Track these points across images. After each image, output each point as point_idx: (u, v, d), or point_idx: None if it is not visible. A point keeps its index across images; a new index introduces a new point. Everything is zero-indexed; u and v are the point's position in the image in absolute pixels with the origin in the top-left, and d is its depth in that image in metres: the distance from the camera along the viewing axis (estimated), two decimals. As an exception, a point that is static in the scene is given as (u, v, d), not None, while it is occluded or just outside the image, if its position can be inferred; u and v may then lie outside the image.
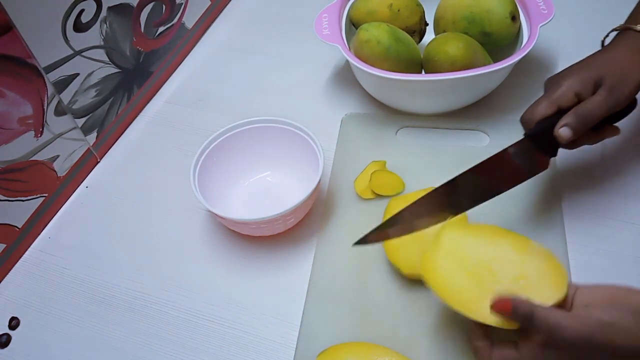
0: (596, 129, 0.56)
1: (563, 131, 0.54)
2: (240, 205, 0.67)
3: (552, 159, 0.57)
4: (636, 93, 0.56)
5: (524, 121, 0.58)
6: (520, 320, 0.45)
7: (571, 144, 0.57)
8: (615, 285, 0.46)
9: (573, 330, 0.42)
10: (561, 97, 0.55)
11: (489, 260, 0.50)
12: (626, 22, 0.59)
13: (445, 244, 0.52)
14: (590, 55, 0.58)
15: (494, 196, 0.56)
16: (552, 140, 0.56)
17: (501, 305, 0.45)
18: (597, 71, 0.55)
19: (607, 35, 0.60)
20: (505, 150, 0.57)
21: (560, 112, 0.55)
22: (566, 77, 0.56)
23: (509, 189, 0.57)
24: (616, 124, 0.58)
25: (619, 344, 0.42)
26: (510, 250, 0.50)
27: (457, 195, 0.56)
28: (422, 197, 0.55)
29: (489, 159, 0.56)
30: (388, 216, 0.62)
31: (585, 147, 0.67)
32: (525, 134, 0.57)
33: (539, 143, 0.56)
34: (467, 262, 0.50)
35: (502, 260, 0.49)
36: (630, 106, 0.57)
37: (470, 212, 0.61)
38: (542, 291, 0.47)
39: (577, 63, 0.58)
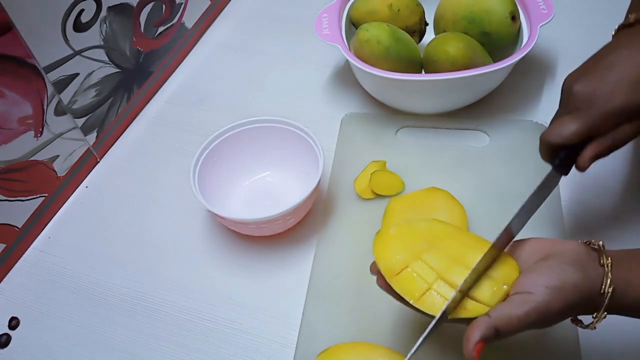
0: None
1: (589, 163, 0.49)
2: (240, 205, 0.67)
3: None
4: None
5: (548, 142, 0.51)
6: (492, 342, 0.42)
7: None
8: (538, 238, 0.46)
9: (533, 312, 0.41)
10: (600, 127, 0.49)
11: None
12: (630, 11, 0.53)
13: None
14: (631, 59, 0.49)
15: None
16: (571, 164, 0.50)
17: (478, 350, 0.42)
18: None
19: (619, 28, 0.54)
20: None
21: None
22: (608, 98, 0.48)
23: None
24: None
25: (572, 300, 0.42)
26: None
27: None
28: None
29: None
30: (388, 216, 0.62)
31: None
32: (554, 167, 0.51)
33: (558, 168, 0.51)
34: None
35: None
36: None
37: (470, 213, 0.62)
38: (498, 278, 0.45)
39: (617, 67, 0.49)
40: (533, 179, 0.60)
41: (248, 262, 0.64)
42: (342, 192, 0.68)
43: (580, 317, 0.45)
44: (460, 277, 0.45)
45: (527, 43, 0.68)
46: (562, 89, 0.52)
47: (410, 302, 0.45)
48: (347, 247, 0.63)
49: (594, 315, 0.43)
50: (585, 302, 0.42)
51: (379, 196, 0.66)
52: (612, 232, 0.62)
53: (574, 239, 0.60)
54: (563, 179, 0.65)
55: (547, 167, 0.52)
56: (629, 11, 0.55)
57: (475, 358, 0.42)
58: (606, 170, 0.67)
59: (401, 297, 0.46)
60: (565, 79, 0.53)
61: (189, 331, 0.60)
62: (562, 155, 0.51)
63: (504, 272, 0.46)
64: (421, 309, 0.45)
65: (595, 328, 0.44)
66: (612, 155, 0.67)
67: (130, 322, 0.61)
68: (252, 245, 0.66)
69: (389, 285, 0.47)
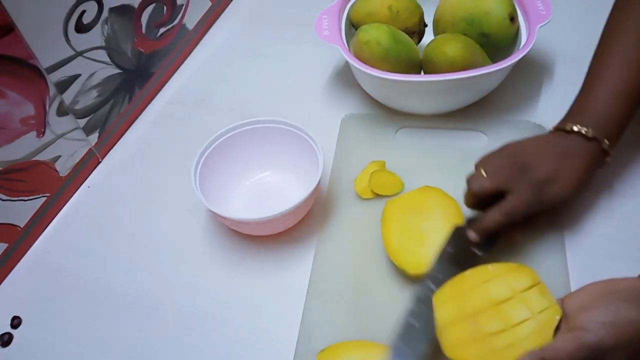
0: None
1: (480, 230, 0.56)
2: (241, 205, 0.68)
3: None
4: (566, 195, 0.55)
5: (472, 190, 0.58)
6: None
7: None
8: (596, 281, 0.46)
9: (584, 348, 0.41)
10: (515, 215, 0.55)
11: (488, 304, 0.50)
12: (564, 119, 0.60)
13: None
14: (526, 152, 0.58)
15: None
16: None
17: None
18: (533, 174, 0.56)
19: (566, 128, 0.58)
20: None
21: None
22: (519, 189, 0.55)
23: None
24: None
25: (628, 336, 0.41)
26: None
27: None
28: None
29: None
30: (386, 219, 0.62)
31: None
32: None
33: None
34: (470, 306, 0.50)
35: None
36: None
37: (469, 212, 0.62)
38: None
39: (540, 164, 0.56)
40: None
41: (248, 262, 0.65)
42: (342, 192, 0.68)
43: None
44: (515, 310, 0.47)
45: (525, 44, 0.69)
46: (504, 149, 0.59)
47: None
48: (347, 247, 0.63)
49: None
50: None
51: (378, 196, 0.67)
52: (612, 232, 0.62)
53: (574, 239, 0.61)
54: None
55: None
56: (567, 117, 0.60)
57: None
58: (606, 170, 0.67)
59: None
60: (509, 145, 0.60)
61: (189, 331, 0.60)
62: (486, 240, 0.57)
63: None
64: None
65: None
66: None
67: (130, 321, 0.61)
68: (252, 245, 0.66)
69: None
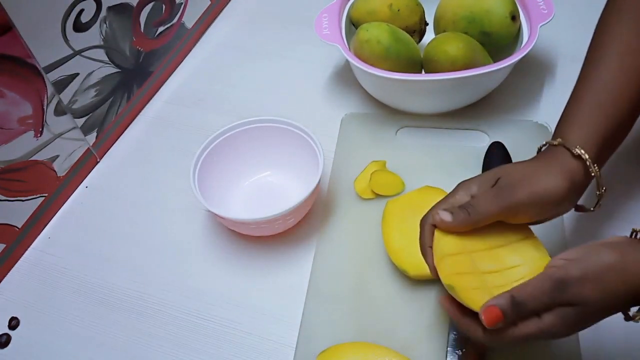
0: None
1: (442, 214, 0.49)
2: (240, 205, 0.67)
3: None
4: (527, 200, 0.48)
5: (422, 223, 0.51)
6: (514, 316, 0.43)
7: None
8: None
9: (548, 279, 0.42)
10: (458, 201, 0.50)
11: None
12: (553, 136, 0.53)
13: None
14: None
15: None
16: None
17: (492, 318, 0.42)
18: (497, 173, 0.50)
19: (543, 146, 0.54)
20: None
21: None
22: (472, 181, 0.51)
23: None
24: None
25: (597, 272, 0.41)
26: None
27: None
28: None
29: None
30: (387, 219, 0.62)
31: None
32: None
33: None
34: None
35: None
36: None
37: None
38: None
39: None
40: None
41: (248, 262, 0.64)
42: (342, 192, 0.68)
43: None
44: (509, 256, 0.49)
45: (527, 43, 0.68)
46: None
47: None
48: (347, 247, 0.63)
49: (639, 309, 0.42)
50: (626, 289, 0.41)
51: (379, 196, 0.66)
52: (612, 233, 0.61)
53: (574, 239, 0.61)
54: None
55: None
56: (553, 137, 0.53)
57: (483, 320, 0.43)
58: (606, 170, 0.66)
59: None
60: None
61: (189, 331, 0.60)
62: None
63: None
64: None
65: (639, 321, 0.42)
66: (612, 155, 0.67)
67: (130, 322, 0.61)
68: (252, 245, 0.66)
69: None
